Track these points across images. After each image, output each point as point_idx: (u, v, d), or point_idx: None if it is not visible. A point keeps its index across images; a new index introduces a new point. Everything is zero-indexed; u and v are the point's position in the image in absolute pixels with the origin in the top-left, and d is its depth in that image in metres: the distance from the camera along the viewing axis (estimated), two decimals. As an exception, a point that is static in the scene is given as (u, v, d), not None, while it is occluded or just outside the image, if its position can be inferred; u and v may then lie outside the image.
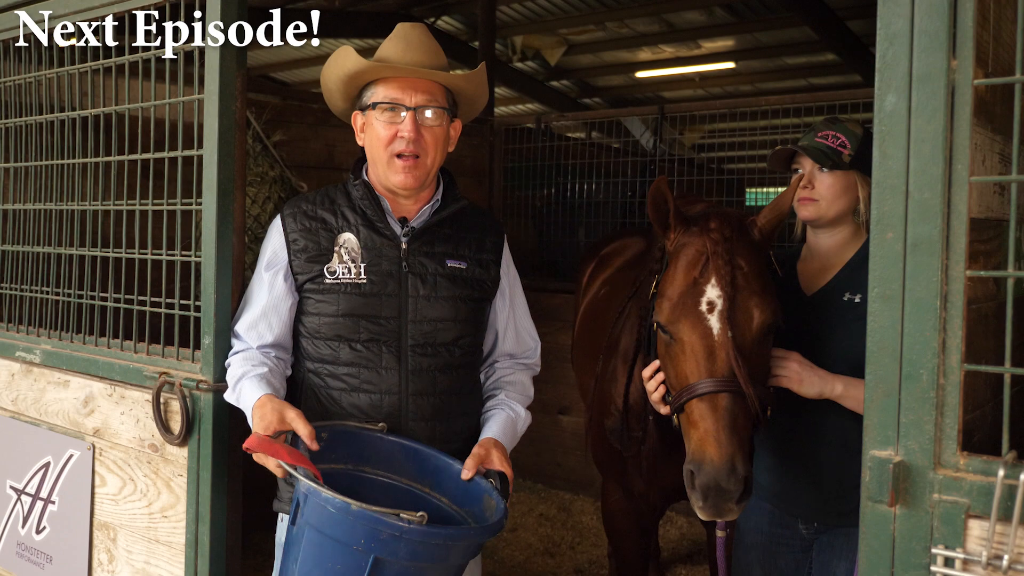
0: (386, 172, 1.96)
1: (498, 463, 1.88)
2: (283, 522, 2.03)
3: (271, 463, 1.72)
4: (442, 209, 2.04)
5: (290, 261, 2.00)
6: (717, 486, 1.79)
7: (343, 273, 1.95)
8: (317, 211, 2.02)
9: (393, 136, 1.92)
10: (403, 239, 1.99)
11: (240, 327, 2.05)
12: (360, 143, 2.04)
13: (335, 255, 1.97)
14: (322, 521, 1.60)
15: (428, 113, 1.94)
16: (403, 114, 1.92)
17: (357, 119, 2.03)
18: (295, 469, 1.64)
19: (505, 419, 2.04)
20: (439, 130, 1.96)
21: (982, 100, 1.28)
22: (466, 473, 1.84)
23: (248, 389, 1.91)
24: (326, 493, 1.56)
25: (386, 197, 2.02)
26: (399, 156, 1.93)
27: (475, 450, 1.89)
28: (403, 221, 2.01)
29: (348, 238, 1.98)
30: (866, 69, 9.13)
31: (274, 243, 2.03)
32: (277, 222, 2.05)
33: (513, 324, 2.17)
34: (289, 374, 2.06)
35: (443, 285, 1.99)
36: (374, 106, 1.94)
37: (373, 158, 1.99)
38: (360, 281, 1.95)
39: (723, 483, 1.78)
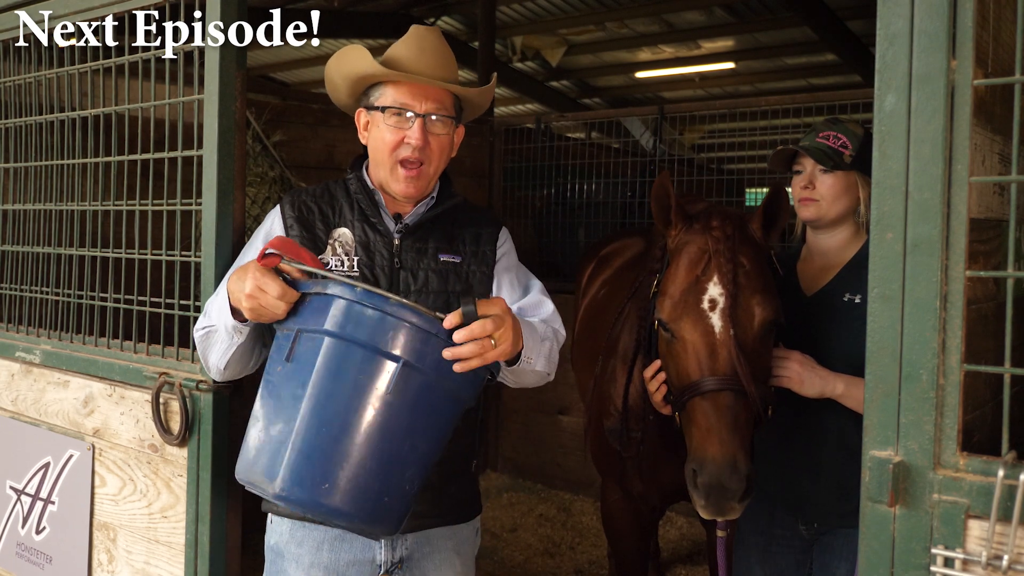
0: (388, 178, 1.95)
1: (497, 306, 1.67)
2: (272, 524, 2.00)
3: (284, 272, 1.64)
4: (436, 206, 2.03)
5: None
6: (720, 484, 1.79)
7: (336, 265, 1.94)
8: (316, 203, 2.01)
9: (400, 141, 1.91)
10: (396, 235, 1.98)
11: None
12: (363, 141, 2.03)
13: (329, 247, 1.96)
14: (347, 323, 1.55)
15: (436, 120, 1.93)
16: (411, 120, 1.91)
17: (361, 116, 2.02)
18: (318, 279, 1.61)
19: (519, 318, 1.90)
20: (444, 139, 1.96)
21: (982, 100, 1.28)
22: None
23: (220, 292, 1.84)
24: (361, 286, 1.53)
25: (382, 193, 2.01)
26: (403, 164, 1.92)
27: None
28: (397, 217, 2.01)
29: (343, 232, 1.97)
30: (866, 69, 9.14)
31: (275, 226, 2.00)
32: (276, 209, 2.04)
33: (509, 296, 2.05)
34: None
35: (434, 280, 1.97)
36: (383, 109, 1.93)
37: (376, 161, 1.98)
38: (352, 275, 1.93)
39: (726, 481, 1.78)
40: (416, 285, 1.96)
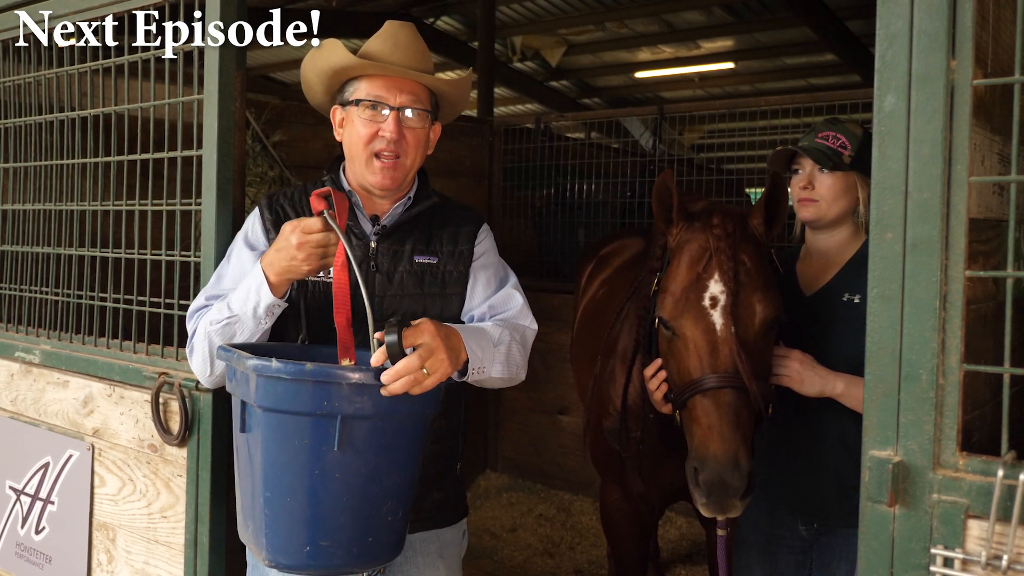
0: (364, 171, 1.93)
1: (428, 334, 1.61)
2: None
3: (315, 227, 1.68)
4: (413, 206, 2.01)
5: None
6: (721, 482, 1.79)
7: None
8: (293, 206, 1.99)
9: (374, 134, 1.89)
10: (372, 238, 1.96)
11: (212, 293, 1.97)
12: (338, 138, 2.01)
13: None
14: (279, 397, 1.54)
15: (411, 114, 1.91)
16: (386, 113, 1.89)
17: (336, 114, 2.00)
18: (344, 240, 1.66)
19: (467, 326, 1.85)
20: (420, 132, 1.93)
21: (981, 100, 1.28)
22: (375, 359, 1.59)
23: (242, 281, 1.84)
24: (276, 363, 1.52)
25: (359, 194, 1.99)
26: (378, 156, 1.90)
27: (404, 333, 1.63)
28: (374, 219, 1.98)
29: None
30: (865, 69, 9.15)
31: (255, 227, 1.99)
32: (256, 210, 2.02)
33: (481, 291, 2.03)
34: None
35: (410, 283, 1.95)
36: (356, 103, 1.91)
37: (351, 155, 1.96)
38: (328, 280, 1.90)
39: (727, 478, 1.78)
40: (392, 288, 1.93)
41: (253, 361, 1.55)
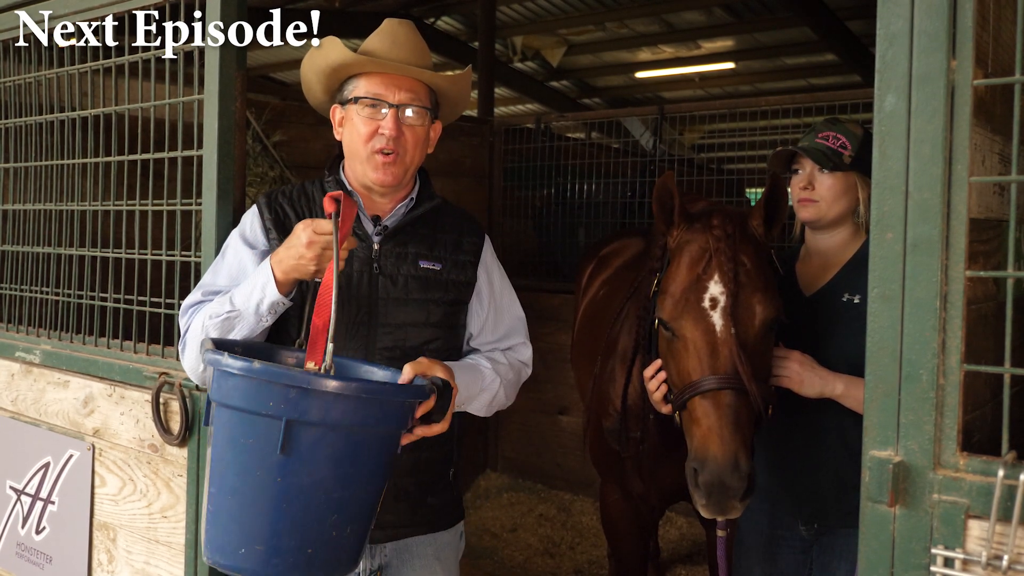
0: (364, 168, 1.91)
1: (442, 372, 1.71)
2: None
3: (322, 229, 1.71)
4: (416, 208, 2.00)
5: (270, 248, 1.92)
6: (721, 483, 1.79)
7: None
8: (292, 205, 1.98)
9: (373, 132, 1.88)
10: (375, 239, 1.94)
11: (209, 289, 1.96)
12: (338, 137, 2.00)
13: None
14: (228, 392, 1.53)
15: (410, 112, 1.90)
16: (385, 111, 1.88)
17: (336, 113, 1.99)
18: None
19: (465, 364, 1.95)
20: (420, 130, 1.92)
21: (981, 100, 1.28)
22: (406, 377, 1.68)
23: (244, 281, 1.84)
24: (227, 358, 1.50)
25: (360, 194, 1.97)
26: (377, 153, 1.89)
27: (419, 360, 1.73)
28: (376, 219, 1.97)
29: None
30: (866, 69, 9.15)
31: (253, 226, 1.98)
32: (254, 208, 2.01)
33: (491, 326, 2.08)
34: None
35: (414, 287, 1.94)
36: (355, 100, 1.90)
37: (351, 153, 1.95)
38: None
39: (727, 480, 1.78)
40: (395, 291, 1.93)
41: (209, 354, 1.55)
